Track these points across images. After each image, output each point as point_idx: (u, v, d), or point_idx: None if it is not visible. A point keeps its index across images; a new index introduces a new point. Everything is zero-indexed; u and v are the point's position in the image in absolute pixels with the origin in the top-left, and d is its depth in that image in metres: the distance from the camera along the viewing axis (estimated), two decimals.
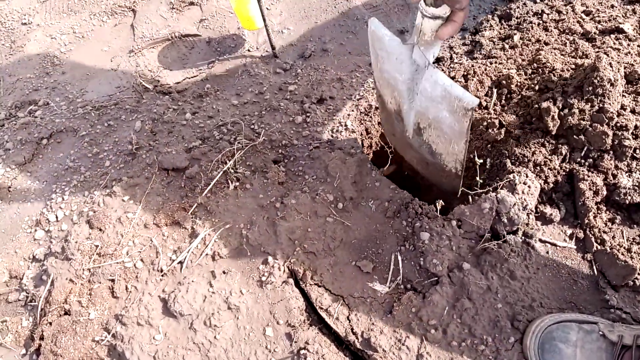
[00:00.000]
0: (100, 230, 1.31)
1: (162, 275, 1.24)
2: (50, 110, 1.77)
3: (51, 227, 1.38)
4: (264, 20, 1.73)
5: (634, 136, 1.30)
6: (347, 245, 1.30)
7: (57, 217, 1.39)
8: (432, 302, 1.16)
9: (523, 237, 1.26)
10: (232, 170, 1.41)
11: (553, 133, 1.32)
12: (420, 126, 1.21)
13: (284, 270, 1.23)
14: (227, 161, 1.44)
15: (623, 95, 1.38)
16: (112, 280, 1.24)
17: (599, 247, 1.24)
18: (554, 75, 1.43)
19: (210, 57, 1.94)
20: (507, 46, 1.72)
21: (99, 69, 1.95)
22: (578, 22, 1.77)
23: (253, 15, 1.82)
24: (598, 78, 1.31)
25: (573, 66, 1.45)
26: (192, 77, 1.88)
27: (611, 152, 1.29)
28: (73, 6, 2.18)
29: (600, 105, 1.30)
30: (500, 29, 1.85)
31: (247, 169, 1.44)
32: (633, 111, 1.35)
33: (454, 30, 0.90)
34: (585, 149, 1.31)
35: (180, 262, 1.25)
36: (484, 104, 1.49)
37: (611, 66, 1.34)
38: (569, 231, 1.29)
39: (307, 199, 1.36)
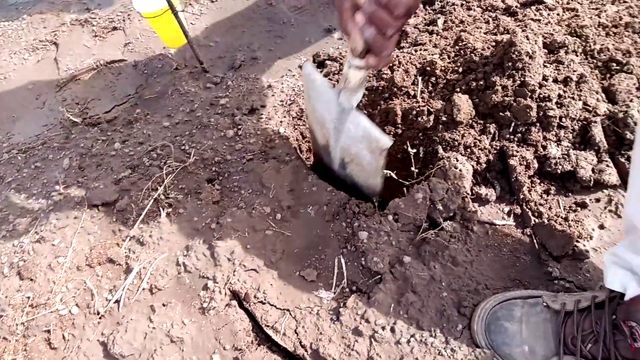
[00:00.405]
0: (31, 280, 1.26)
1: (100, 318, 1.19)
2: None
3: None
4: (187, 36, 1.69)
5: (558, 105, 1.30)
6: (290, 255, 1.27)
7: None
8: (377, 301, 1.13)
9: (462, 221, 1.25)
10: (163, 197, 1.37)
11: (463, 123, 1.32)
12: (345, 161, 1.31)
13: (226, 293, 1.20)
14: (158, 187, 1.39)
15: (545, 66, 1.38)
16: (48, 331, 1.18)
17: (536, 220, 1.24)
18: (475, 55, 1.42)
19: (138, 81, 1.89)
20: (432, 31, 1.71)
21: (25, 108, 1.88)
22: None
23: (175, 32, 1.77)
24: (516, 52, 1.31)
25: (493, 43, 1.44)
26: (121, 104, 1.83)
27: (538, 124, 1.29)
28: None
29: (522, 79, 1.30)
30: (425, 14, 1.84)
31: (180, 192, 1.40)
32: (555, 80, 1.35)
33: (380, 62, 0.96)
34: (512, 124, 1.30)
35: (117, 301, 1.21)
36: (412, 92, 1.48)
37: (528, 39, 1.34)
38: (507, 208, 1.29)
39: (243, 215, 1.32)
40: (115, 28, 2.08)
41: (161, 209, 1.35)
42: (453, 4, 1.79)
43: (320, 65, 1.79)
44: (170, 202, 1.36)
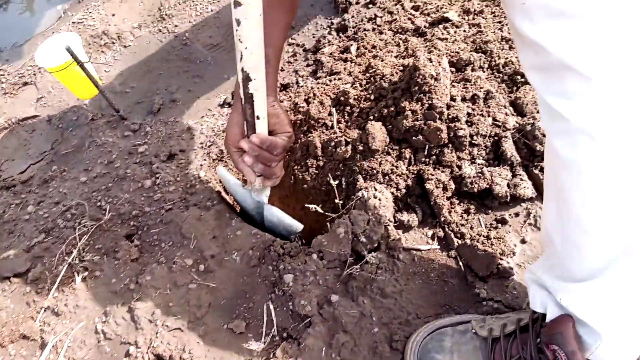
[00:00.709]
0: None
1: None
2: None
3: None
4: (97, 86, 1.64)
5: (468, 124, 1.32)
6: (216, 308, 1.22)
7: None
8: (308, 347, 1.09)
9: (387, 251, 1.23)
10: (78, 260, 1.29)
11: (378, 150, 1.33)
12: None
13: (149, 358, 1.13)
14: (73, 251, 1.32)
15: (453, 85, 1.40)
16: None
17: (459, 241, 1.24)
18: (385, 82, 1.43)
19: (53, 137, 1.81)
20: (346, 59, 1.72)
21: None
22: (409, 19, 1.80)
23: (84, 83, 1.71)
24: (420, 76, 1.32)
25: (401, 68, 1.46)
26: (36, 162, 1.74)
27: (450, 145, 1.30)
28: None
29: (429, 102, 1.31)
30: (339, 42, 1.85)
31: (96, 253, 1.33)
32: (464, 99, 1.37)
33: (274, 182, 1.22)
34: (426, 147, 1.31)
35: None
36: (329, 124, 1.47)
37: (431, 61, 1.35)
38: (430, 232, 1.29)
39: (163, 270, 1.26)
40: (25, 83, 2.00)
41: (76, 273, 1.27)
42: (365, 30, 1.81)
43: None
44: (85, 266, 1.29)
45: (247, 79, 0.95)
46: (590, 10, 0.62)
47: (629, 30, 0.62)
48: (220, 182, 1.54)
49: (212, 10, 2.06)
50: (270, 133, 1.09)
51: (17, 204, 1.56)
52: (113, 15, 2.09)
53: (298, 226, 1.28)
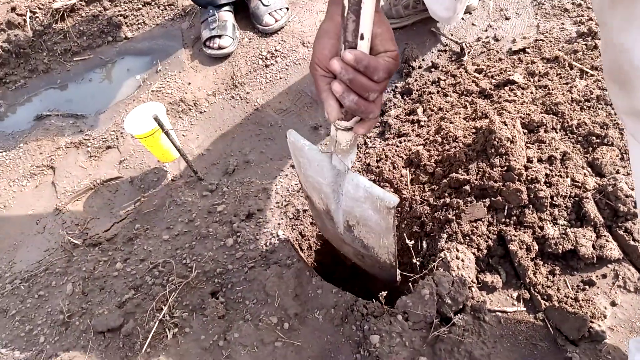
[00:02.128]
0: None
1: None
2: None
3: None
4: (179, 151, 1.75)
5: (547, 185, 1.33)
6: None
7: None
8: None
9: (472, 312, 1.23)
10: (169, 317, 1.35)
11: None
12: (350, 223, 1.23)
13: None
14: (163, 307, 1.38)
15: (527, 147, 1.43)
16: None
17: (547, 303, 1.22)
18: (458, 143, 1.47)
19: (135, 196, 1.92)
20: (413, 121, 1.79)
21: (25, 235, 1.89)
22: (473, 81, 1.87)
23: (167, 148, 1.84)
24: (497, 139, 1.36)
25: (474, 130, 1.51)
26: (120, 221, 1.85)
27: (530, 205, 1.32)
28: None
29: (507, 164, 1.34)
30: (405, 104, 1.93)
31: (185, 309, 1.38)
32: (540, 160, 1.39)
33: (369, 128, 0.91)
34: (506, 208, 1.33)
35: None
36: (402, 184, 1.51)
37: (506, 124, 1.39)
38: (515, 294, 1.28)
39: (250, 328, 1.30)
40: (109, 147, 2.15)
41: (167, 330, 1.33)
42: (430, 93, 1.88)
43: None
44: (175, 322, 1.34)
45: None
46: None
47: None
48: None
49: (280, 78, 2.19)
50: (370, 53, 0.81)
51: (105, 260, 1.66)
52: (189, 84, 2.26)
53: (391, 199, 1.00)
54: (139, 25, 2.58)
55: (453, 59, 2.04)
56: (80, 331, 1.41)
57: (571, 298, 1.21)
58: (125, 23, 2.57)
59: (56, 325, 1.47)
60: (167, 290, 1.42)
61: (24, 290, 1.64)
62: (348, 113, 0.86)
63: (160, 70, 2.36)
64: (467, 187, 1.36)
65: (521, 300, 1.27)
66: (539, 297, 1.23)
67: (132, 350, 1.33)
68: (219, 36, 2.25)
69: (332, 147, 1.01)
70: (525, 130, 1.51)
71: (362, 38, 0.75)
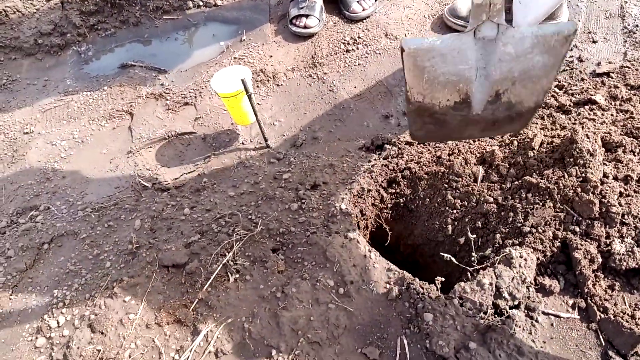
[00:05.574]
0: (102, 333, 1.30)
1: None
2: (51, 214, 1.81)
3: (52, 333, 1.37)
4: (256, 115, 1.83)
5: (619, 202, 1.34)
6: (352, 331, 1.29)
7: (58, 323, 1.38)
8: None
9: (526, 311, 1.26)
10: (232, 263, 1.43)
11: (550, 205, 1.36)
12: (500, 92, 1.23)
13: None
14: (226, 253, 1.46)
15: (604, 164, 1.44)
16: None
17: (602, 315, 1.24)
18: (535, 148, 1.50)
19: (206, 153, 2.02)
20: None
21: (98, 171, 2.01)
22: (553, 96, 1.87)
23: (246, 112, 1.93)
24: (577, 150, 1.37)
25: (551, 139, 1.52)
26: (189, 173, 1.94)
27: (600, 219, 1.33)
28: (72, 113, 2.29)
29: (584, 175, 1.35)
30: None
31: (247, 259, 1.46)
32: (616, 178, 1.40)
33: None
34: (575, 218, 1.34)
35: None
36: (470, 180, 1.55)
37: (588, 137, 1.41)
38: (571, 301, 1.30)
39: (307, 286, 1.36)
40: (187, 103, 2.25)
41: (229, 274, 1.40)
42: None
43: (379, 148, 1.89)
44: (237, 269, 1.42)
45: None
46: None
47: None
48: (416, 57, 1.16)
49: (359, 64, 2.25)
50: None
51: (173, 205, 1.75)
52: (270, 56, 2.34)
53: (570, 27, 1.03)
54: None
55: None
56: (146, 262, 1.50)
57: (628, 314, 1.22)
58: None
59: (123, 253, 1.57)
60: (233, 239, 1.49)
61: (94, 219, 1.75)
62: None
63: (244, 40, 2.45)
64: (540, 192, 1.38)
65: (576, 308, 1.28)
66: (595, 308, 1.25)
67: (193, 287, 1.41)
68: (307, 16, 2.33)
69: (484, 15, 1.04)
70: (604, 149, 1.51)
71: None
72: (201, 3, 2.66)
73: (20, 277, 1.57)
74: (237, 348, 1.26)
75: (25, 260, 1.61)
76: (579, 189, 1.34)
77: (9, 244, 1.68)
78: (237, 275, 1.40)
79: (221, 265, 1.42)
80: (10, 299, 1.50)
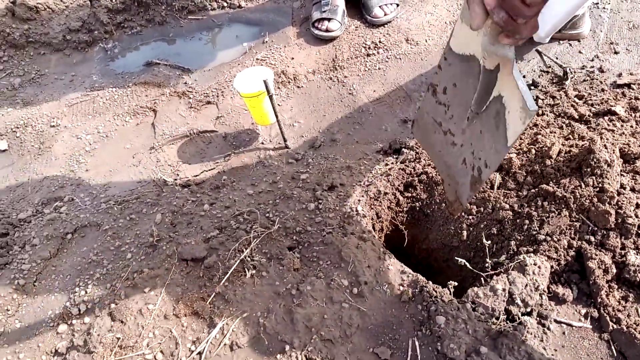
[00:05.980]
0: (122, 322, 1.34)
1: None
2: (75, 205, 1.86)
3: (74, 320, 1.41)
4: (277, 116, 1.86)
5: (636, 214, 1.35)
6: (364, 331, 1.31)
7: (80, 311, 1.43)
8: None
9: (538, 318, 1.27)
10: (249, 259, 1.46)
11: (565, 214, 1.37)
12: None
13: None
14: (244, 249, 1.49)
15: (621, 175, 1.44)
16: None
17: (615, 326, 1.24)
18: (553, 157, 1.50)
19: (226, 151, 2.06)
20: None
21: (121, 165, 2.07)
22: (572, 105, 1.88)
23: (267, 112, 1.96)
24: (595, 160, 1.38)
25: (569, 148, 1.53)
26: (209, 170, 1.99)
27: (616, 230, 1.33)
28: (98, 108, 2.35)
29: (600, 185, 1.36)
30: None
31: (263, 256, 1.49)
32: (633, 189, 1.40)
33: (513, 43, 0.86)
34: (590, 228, 1.35)
35: (200, 353, 1.27)
36: (487, 186, 1.56)
37: (606, 148, 1.41)
38: (584, 310, 1.30)
39: (322, 284, 1.39)
40: (209, 102, 2.30)
41: (246, 269, 1.44)
42: None
43: (397, 152, 1.91)
44: (254, 265, 1.45)
45: None
46: None
47: None
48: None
49: (379, 69, 2.28)
50: None
51: (193, 200, 1.80)
52: (292, 58, 2.38)
53: (533, 105, 0.89)
54: None
55: (554, 81, 2.05)
56: (166, 255, 1.55)
57: None
58: None
59: (143, 246, 1.62)
60: (251, 236, 1.53)
61: (117, 211, 1.80)
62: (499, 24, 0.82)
63: (267, 41, 2.49)
64: (556, 200, 1.39)
65: (589, 317, 1.29)
66: (608, 318, 1.25)
67: (211, 281, 1.45)
68: (329, 19, 2.36)
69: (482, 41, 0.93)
70: (621, 160, 1.52)
71: None
72: (225, 4, 2.71)
73: (44, 264, 1.62)
74: (252, 342, 1.29)
75: (50, 249, 1.66)
76: (595, 199, 1.35)
77: (35, 232, 1.74)
78: (254, 271, 1.43)
79: (238, 261, 1.46)
80: (34, 285, 1.56)
